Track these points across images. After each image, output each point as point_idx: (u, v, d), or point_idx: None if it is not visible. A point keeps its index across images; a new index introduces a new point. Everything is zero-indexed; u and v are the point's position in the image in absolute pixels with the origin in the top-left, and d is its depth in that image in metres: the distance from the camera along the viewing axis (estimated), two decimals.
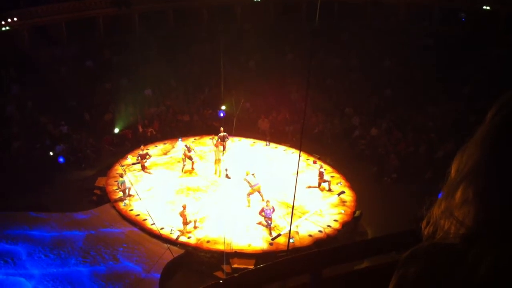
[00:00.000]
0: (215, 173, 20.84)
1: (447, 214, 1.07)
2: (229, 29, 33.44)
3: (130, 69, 28.74)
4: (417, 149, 22.46)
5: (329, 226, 17.36)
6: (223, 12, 35.30)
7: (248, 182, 18.13)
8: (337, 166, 21.64)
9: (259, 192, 18.11)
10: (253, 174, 18.32)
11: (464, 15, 32.42)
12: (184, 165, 21.08)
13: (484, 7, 29.54)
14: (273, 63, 30.07)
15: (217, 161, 20.86)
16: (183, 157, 21.11)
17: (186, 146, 21.45)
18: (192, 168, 21.24)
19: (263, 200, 17.64)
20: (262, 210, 16.86)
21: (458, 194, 1.05)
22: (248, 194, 18.19)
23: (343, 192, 19.43)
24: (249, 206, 18.19)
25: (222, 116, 23.79)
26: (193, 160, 21.31)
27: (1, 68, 27.26)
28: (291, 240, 16.03)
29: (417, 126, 24.11)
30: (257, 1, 35.16)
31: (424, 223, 1.16)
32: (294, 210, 16.25)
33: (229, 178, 20.45)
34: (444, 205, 1.08)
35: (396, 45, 30.05)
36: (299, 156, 16.71)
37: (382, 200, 19.39)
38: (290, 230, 15.83)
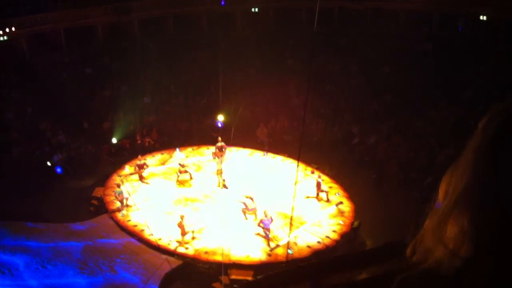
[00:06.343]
0: (218, 185, 20.64)
1: (438, 243, 0.99)
2: (229, 35, 33.52)
3: (129, 75, 28.72)
4: (417, 155, 22.43)
5: (327, 237, 17.31)
6: (223, 19, 35.40)
7: (245, 205, 18.09)
8: (336, 176, 21.61)
9: (255, 215, 18.08)
10: (251, 198, 18.24)
11: (462, 24, 32.58)
12: (178, 176, 21.04)
13: (481, 17, 29.71)
14: (273, 69, 30.02)
15: (218, 171, 20.80)
16: (178, 172, 21.10)
17: (179, 164, 21.35)
18: (191, 178, 21.20)
19: (255, 219, 17.65)
20: (261, 221, 16.82)
21: (451, 222, 0.97)
22: (243, 211, 18.15)
23: (341, 203, 19.41)
24: (246, 219, 18.13)
25: (220, 126, 23.76)
26: (189, 173, 21.28)
27: (0, 73, 27.28)
28: (289, 251, 16.00)
29: (417, 131, 24.12)
30: (256, 8, 35.35)
31: (409, 250, 1.08)
32: (292, 221, 16.26)
33: (226, 188, 20.41)
34: (435, 234, 1.00)
35: (395, 51, 30.14)
36: (298, 166, 16.81)
37: (382, 209, 19.24)
38: (288, 241, 15.82)
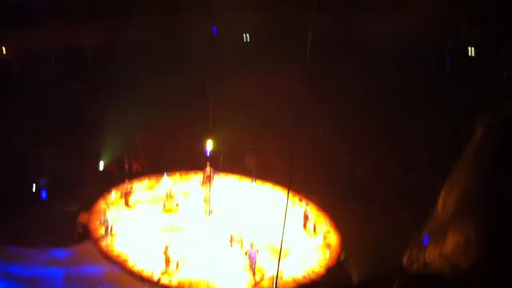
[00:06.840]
0: (205, 213, 20.41)
1: (439, 255, 0.99)
2: (221, 53, 33.44)
3: (118, 96, 28.30)
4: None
5: (313, 270, 17.13)
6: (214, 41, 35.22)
7: (232, 237, 17.99)
8: (324, 205, 21.28)
9: (241, 245, 17.95)
10: (238, 231, 18.15)
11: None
12: (165, 203, 20.83)
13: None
14: (265, 88, 29.69)
15: (206, 198, 20.60)
16: (165, 199, 20.89)
17: (166, 195, 21.11)
18: (177, 205, 20.98)
19: (241, 249, 17.51)
20: (247, 252, 16.68)
21: (451, 233, 0.96)
22: (231, 241, 18.01)
23: (328, 234, 19.25)
24: (232, 247, 17.96)
25: (208, 153, 23.63)
26: (176, 203, 21.06)
27: None
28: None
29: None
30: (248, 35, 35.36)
31: (406, 259, 1.08)
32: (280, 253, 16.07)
33: (213, 216, 20.23)
34: (435, 245, 1.00)
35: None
36: (288, 197, 16.59)
37: (368, 237, 18.73)
38: (277, 274, 15.60)
